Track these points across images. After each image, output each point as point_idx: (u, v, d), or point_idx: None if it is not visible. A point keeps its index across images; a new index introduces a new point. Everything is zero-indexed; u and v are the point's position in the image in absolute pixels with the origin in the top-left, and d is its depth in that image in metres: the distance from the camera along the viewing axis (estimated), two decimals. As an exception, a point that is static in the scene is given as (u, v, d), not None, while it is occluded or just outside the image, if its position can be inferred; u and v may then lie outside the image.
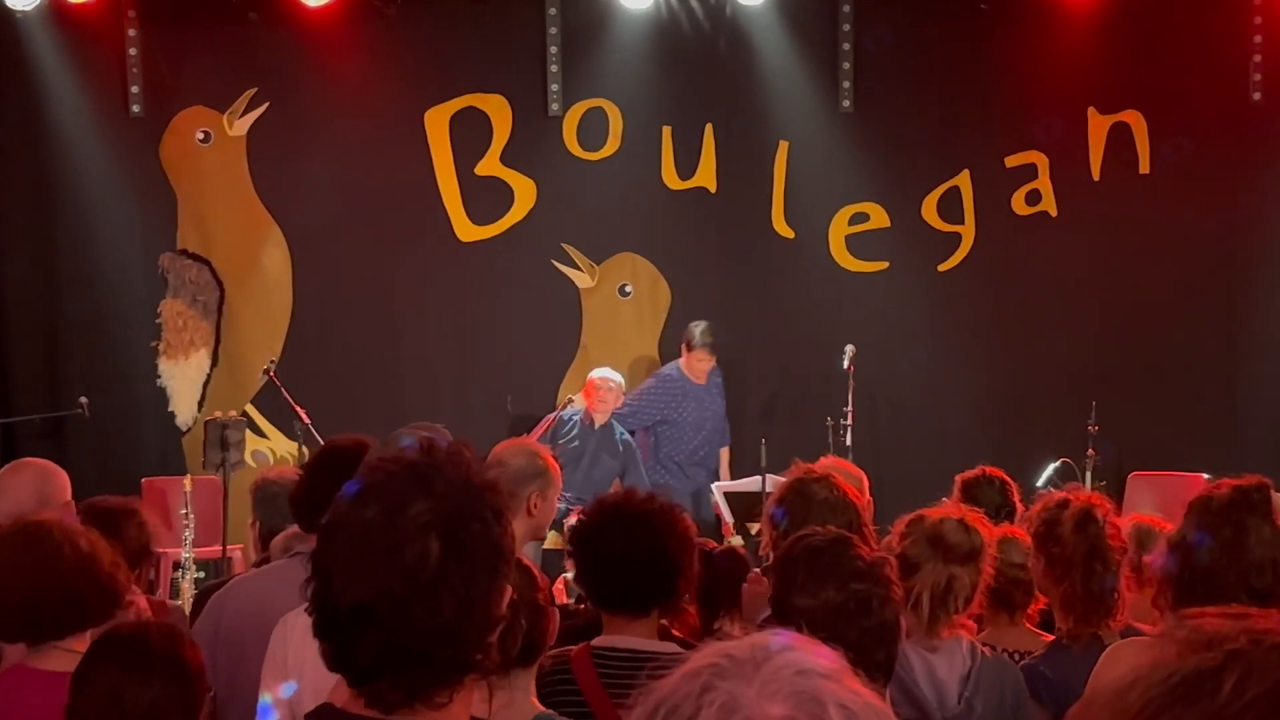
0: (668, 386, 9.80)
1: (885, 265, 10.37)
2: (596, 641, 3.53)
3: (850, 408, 9.28)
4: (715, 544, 5.60)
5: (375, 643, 1.98)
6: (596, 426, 9.33)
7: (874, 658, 2.75)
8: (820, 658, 1.31)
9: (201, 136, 9.95)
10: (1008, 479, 5.32)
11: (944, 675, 3.42)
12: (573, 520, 3.89)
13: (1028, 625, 4.33)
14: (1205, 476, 8.88)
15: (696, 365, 9.72)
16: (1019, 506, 5.16)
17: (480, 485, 2.09)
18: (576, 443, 9.23)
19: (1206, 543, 3.43)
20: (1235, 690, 1.04)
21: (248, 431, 9.26)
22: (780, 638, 1.31)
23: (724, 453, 9.97)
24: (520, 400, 9.80)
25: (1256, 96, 10.11)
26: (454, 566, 2.00)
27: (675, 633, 3.97)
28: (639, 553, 3.46)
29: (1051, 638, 4.08)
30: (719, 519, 9.17)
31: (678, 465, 9.78)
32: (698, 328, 9.69)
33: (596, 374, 9.48)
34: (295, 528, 4.08)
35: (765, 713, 1.22)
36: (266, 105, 9.94)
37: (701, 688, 1.24)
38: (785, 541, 3.00)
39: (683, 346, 9.77)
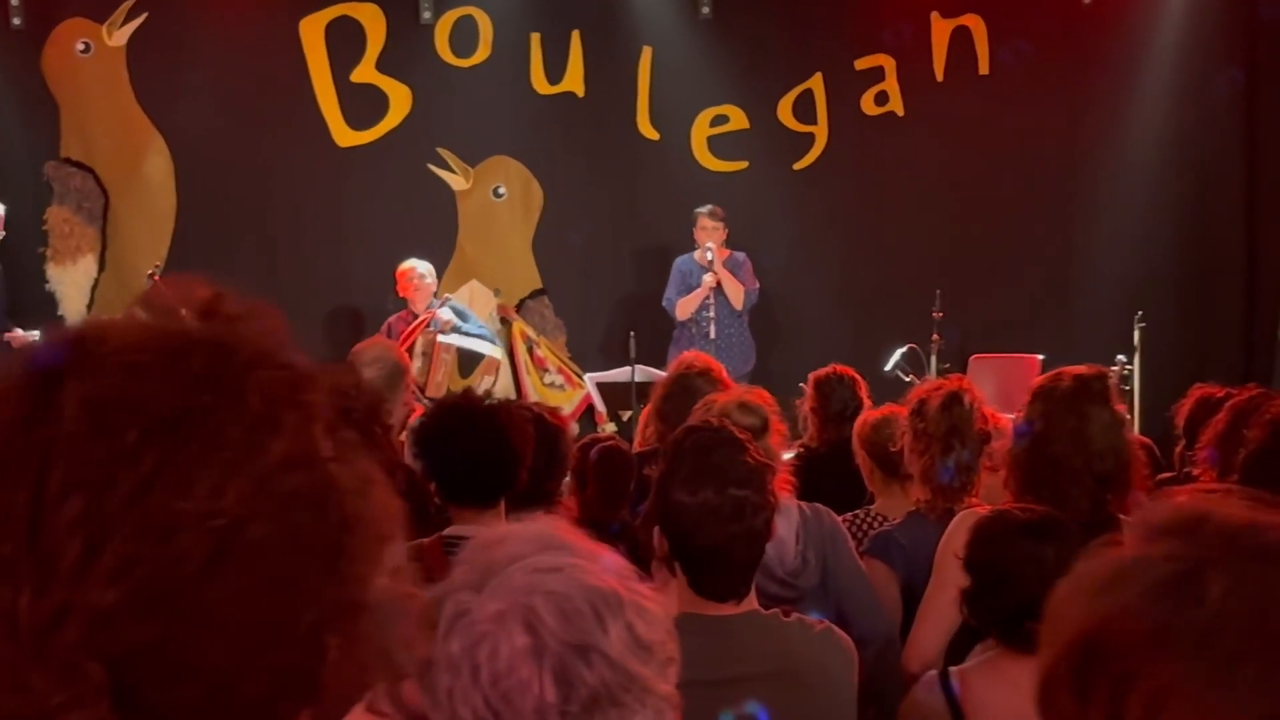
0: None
1: (745, 165, 10.81)
2: (447, 531, 3.66)
3: (713, 301, 9.74)
4: (607, 435, 5.93)
5: None
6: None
7: (735, 559, 2.77)
8: (568, 555, 1.49)
9: (82, 47, 10.04)
10: (857, 376, 5.71)
11: (783, 534, 3.49)
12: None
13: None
14: (1041, 358, 9.56)
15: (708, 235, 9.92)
16: (867, 401, 5.53)
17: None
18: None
19: (1053, 431, 3.68)
20: (1220, 603, 1.00)
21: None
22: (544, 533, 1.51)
23: None
24: (401, 301, 10.13)
25: (1086, 1, 10.61)
26: None
27: None
28: (481, 447, 3.59)
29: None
30: (592, 409, 9.69)
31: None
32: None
33: (404, 264, 9.71)
34: None
35: (484, 610, 1.43)
36: (145, 16, 10.01)
37: (445, 591, 1.47)
38: (679, 430, 2.98)
39: None
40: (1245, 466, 2.86)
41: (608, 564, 1.52)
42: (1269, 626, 0.99)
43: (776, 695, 2.67)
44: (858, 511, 4.64)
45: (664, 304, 9.95)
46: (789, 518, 3.72)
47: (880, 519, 4.52)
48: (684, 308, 9.81)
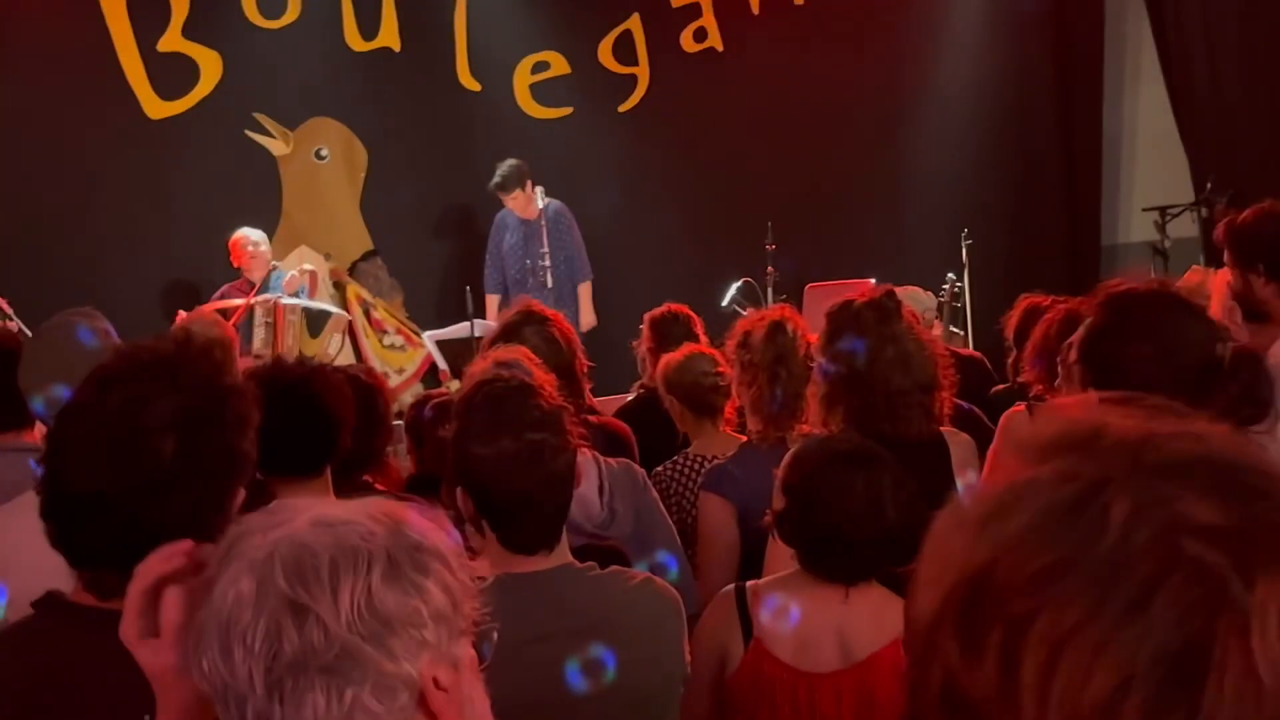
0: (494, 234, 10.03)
1: (569, 110, 10.78)
2: (272, 506, 3.61)
3: (546, 249, 9.64)
4: (439, 391, 5.91)
5: (101, 529, 2.00)
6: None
7: (541, 507, 2.74)
8: (368, 517, 1.46)
9: None
10: (692, 314, 5.81)
11: (582, 491, 3.44)
12: None
13: (728, 430, 4.65)
14: (873, 281, 9.69)
15: (512, 205, 9.88)
16: (702, 337, 5.61)
17: (226, 388, 2.11)
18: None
19: (874, 357, 3.79)
20: (1125, 529, 0.87)
21: (-46, 323, 9.21)
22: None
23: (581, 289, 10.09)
24: (230, 273, 9.93)
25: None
26: (187, 466, 2.03)
27: (379, 486, 4.08)
28: (295, 415, 3.45)
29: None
30: (435, 367, 9.60)
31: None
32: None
33: (235, 234, 9.56)
34: None
35: (237, 590, 1.42)
36: (-64, -6, 9.67)
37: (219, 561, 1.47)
38: (467, 385, 2.96)
39: None
40: (1084, 346, 2.90)
41: (406, 529, 1.47)
42: (1181, 550, 0.86)
43: (605, 650, 2.65)
44: (676, 458, 4.65)
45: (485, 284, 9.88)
46: (588, 472, 3.69)
47: (699, 459, 4.54)
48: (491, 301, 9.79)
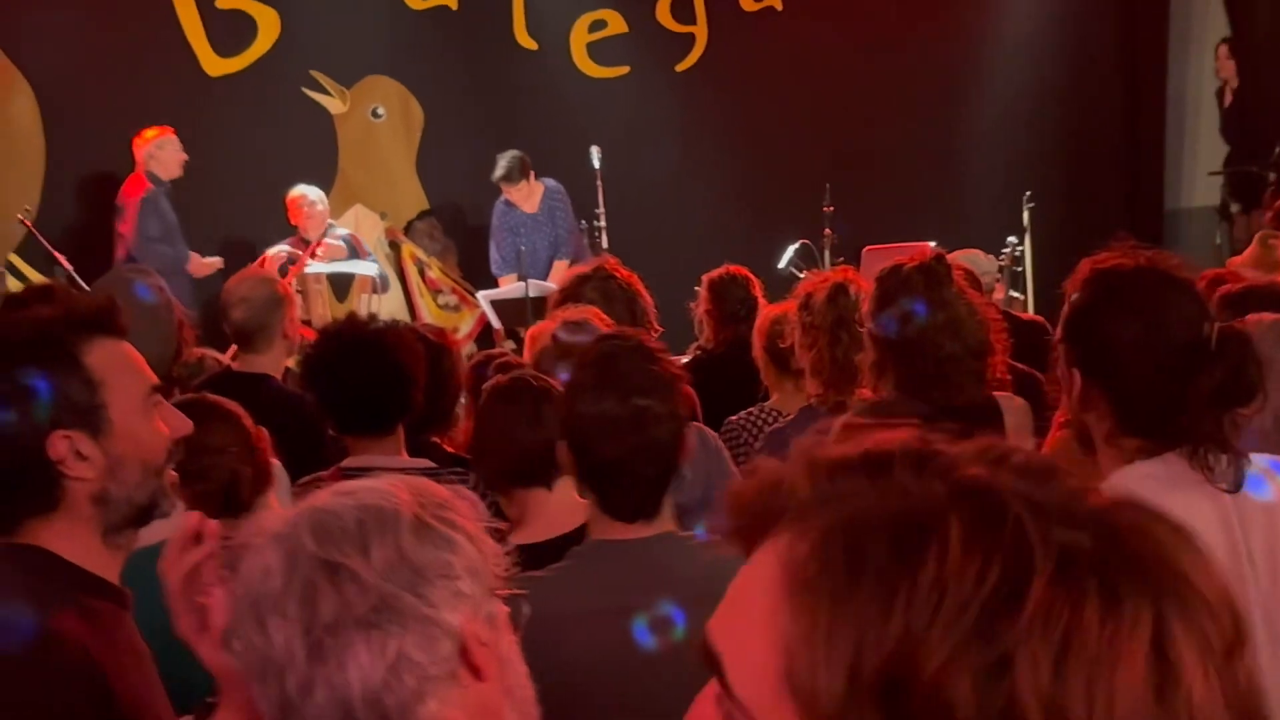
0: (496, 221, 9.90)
1: (626, 70, 10.72)
2: (346, 462, 3.57)
3: (602, 209, 9.65)
4: (499, 351, 5.89)
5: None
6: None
7: (639, 474, 2.65)
8: (397, 484, 1.45)
9: (-69, -10, 9.71)
10: (751, 275, 5.74)
11: None
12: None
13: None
14: (932, 245, 9.60)
15: (513, 196, 9.80)
16: (762, 300, 5.57)
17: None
18: None
19: (908, 314, 3.64)
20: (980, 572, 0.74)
21: (12, 281, 9.29)
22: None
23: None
24: (285, 230, 9.94)
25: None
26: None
27: (447, 447, 4.10)
28: (370, 374, 3.50)
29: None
30: (489, 327, 9.60)
31: None
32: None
33: (293, 191, 9.51)
34: None
35: (264, 563, 1.41)
36: (-4, -46, 9.70)
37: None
38: (593, 340, 2.89)
39: None
40: (1068, 324, 2.84)
41: (429, 490, 1.47)
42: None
43: (701, 618, 2.58)
44: (752, 409, 4.65)
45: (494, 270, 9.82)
46: None
47: (775, 414, 4.53)
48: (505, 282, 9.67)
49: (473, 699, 1.42)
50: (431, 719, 1.39)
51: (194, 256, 9.31)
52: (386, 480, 1.48)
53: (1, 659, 1.79)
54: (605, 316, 3.46)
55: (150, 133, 9.33)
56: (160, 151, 9.32)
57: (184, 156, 9.37)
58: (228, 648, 1.42)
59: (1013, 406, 3.84)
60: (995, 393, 3.85)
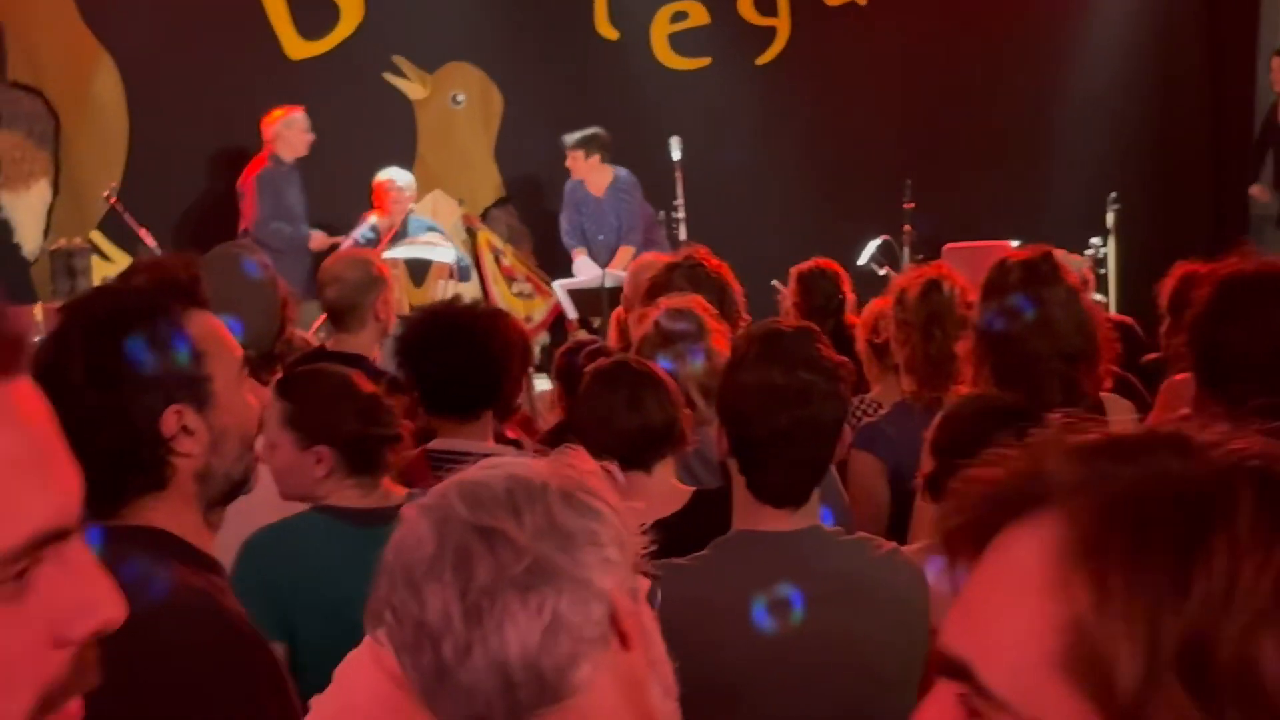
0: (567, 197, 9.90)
1: (707, 62, 10.69)
2: (432, 445, 3.57)
3: (681, 200, 9.61)
4: (589, 339, 5.89)
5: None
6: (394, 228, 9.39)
7: (796, 453, 2.55)
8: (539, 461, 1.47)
9: (21, -33, 9.79)
10: (840, 269, 5.68)
11: None
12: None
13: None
14: (1015, 244, 9.50)
15: (582, 173, 9.77)
16: (849, 295, 5.56)
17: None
18: None
19: (1018, 315, 3.61)
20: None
21: (94, 258, 9.37)
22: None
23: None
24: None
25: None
26: None
27: (510, 434, 4.12)
28: (464, 358, 3.48)
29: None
30: (563, 317, 9.60)
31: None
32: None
33: (382, 175, 9.49)
34: None
35: (416, 534, 1.42)
36: (84, -69, 9.77)
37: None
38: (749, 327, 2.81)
39: None
40: (1191, 327, 2.79)
41: (571, 465, 1.48)
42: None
43: (847, 616, 2.50)
44: (854, 399, 4.58)
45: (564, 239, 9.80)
46: None
47: (875, 405, 4.49)
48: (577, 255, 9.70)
49: (622, 666, 1.42)
50: (586, 682, 1.39)
51: (314, 235, 9.35)
52: (530, 456, 1.50)
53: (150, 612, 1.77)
54: (709, 306, 3.41)
55: (278, 112, 9.41)
56: (287, 130, 9.38)
57: (310, 136, 9.42)
58: (377, 621, 1.41)
59: (1118, 408, 3.77)
60: (1101, 393, 3.77)
